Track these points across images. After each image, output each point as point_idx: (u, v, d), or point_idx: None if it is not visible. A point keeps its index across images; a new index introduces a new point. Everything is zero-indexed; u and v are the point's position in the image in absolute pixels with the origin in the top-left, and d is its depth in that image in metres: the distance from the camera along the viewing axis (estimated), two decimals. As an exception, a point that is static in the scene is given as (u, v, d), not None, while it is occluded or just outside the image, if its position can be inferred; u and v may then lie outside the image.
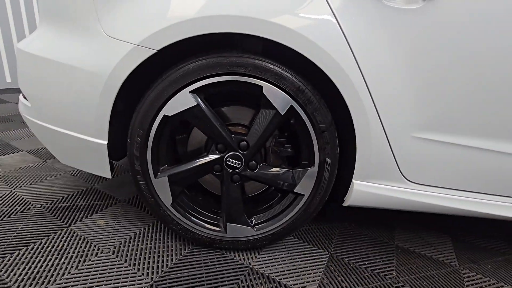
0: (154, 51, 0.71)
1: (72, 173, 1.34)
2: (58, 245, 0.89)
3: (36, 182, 1.25)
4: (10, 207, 1.06)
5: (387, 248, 1.02)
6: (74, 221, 1.01)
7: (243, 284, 0.80)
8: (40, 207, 1.08)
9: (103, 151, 0.83)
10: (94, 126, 0.81)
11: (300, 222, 0.89)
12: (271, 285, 0.80)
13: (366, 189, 0.85)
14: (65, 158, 0.93)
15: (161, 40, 0.70)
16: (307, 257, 0.93)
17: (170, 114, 0.78)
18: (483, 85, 0.73)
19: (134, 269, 0.82)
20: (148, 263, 0.85)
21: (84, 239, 0.92)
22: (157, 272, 0.81)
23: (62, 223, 0.99)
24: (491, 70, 0.71)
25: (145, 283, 0.77)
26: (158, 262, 0.85)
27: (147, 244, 0.92)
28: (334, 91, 0.75)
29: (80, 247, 0.89)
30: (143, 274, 0.80)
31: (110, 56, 0.73)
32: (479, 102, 0.74)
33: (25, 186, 1.22)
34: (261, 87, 0.76)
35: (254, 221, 0.90)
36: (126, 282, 0.77)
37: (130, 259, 0.85)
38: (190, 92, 0.76)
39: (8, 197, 1.12)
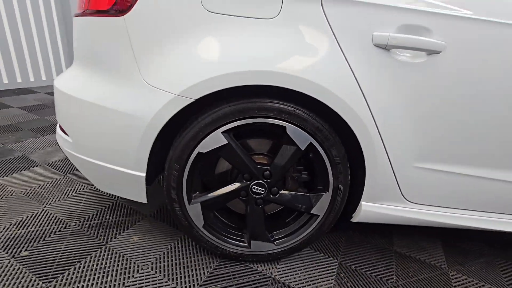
0: (193, 100, 0.81)
1: (94, 188, 1.43)
2: (101, 264, 1.00)
3: (63, 198, 1.34)
4: (47, 226, 1.15)
5: (387, 254, 1.17)
6: (110, 239, 1.11)
7: (269, 293, 0.94)
8: (75, 225, 1.17)
9: (141, 181, 0.93)
10: (134, 161, 0.90)
11: (315, 238, 1.02)
12: (292, 294, 0.95)
13: (372, 208, 0.99)
14: (104, 186, 1.02)
15: (200, 91, 0.79)
16: (319, 265, 1.07)
17: (204, 151, 0.88)
18: (472, 124, 0.86)
19: (174, 283, 0.94)
20: (185, 277, 0.97)
21: (123, 256, 1.04)
22: (194, 286, 0.94)
23: (100, 241, 1.10)
24: (478, 111, 0.84)
25: (186, 296, 0.90)
26: (193, 275, 0.98)
27: (180, 259, 1.04)
28: (346, 128, 0.86)
29: (122, 264, 1.00)
30: (182, 288, 0.93)
31: (151, 104, 0.82)
32: (468, 139, 0.87)
33: (54, 203, 1.30)
34: (284, 127, 0.86)
35: (274, 236, 1.03)
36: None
37: (169, 274, 0.97)
38: (222, 132, 0.86)
39: (42, 216, 1.21)
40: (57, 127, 1.05)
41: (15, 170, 1.54)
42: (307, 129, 0.86)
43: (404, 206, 0.99)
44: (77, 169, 1.60)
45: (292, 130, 0.87)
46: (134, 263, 1.01)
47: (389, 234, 1.28)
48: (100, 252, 1.05)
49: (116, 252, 1.05)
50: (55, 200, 1.32)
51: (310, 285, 0.98)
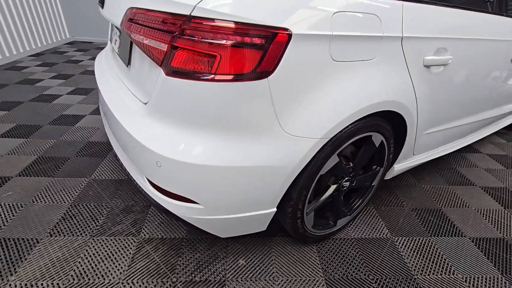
0: (328, 139, 0.93)
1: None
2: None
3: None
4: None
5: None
6: (227, 272, 1.16)
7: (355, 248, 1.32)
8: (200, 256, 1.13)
9: (271, 215, 1.03)
10: (270, 202, 0.97)
11: (369, 200, 1.43)
12: (362, 243, 1.36)
13: (397, 168, 1.45)
14: (229, 233, 1.02)
15: (336, 130, 0.92)
16: (369, 223, 1.51)
17: (323, 173, 1.05)
18: (459, 99, 1.38)
19: (304, 277, 1.17)
20: (308, 270, 1.20)
21: (255, 279, 1.14)
22: (319, 269, 1.20)
23: (220, 279, 1.13)
24: (463, 92, 1.36)
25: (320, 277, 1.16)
26: (311, 265, 1.22)
27: (292, 256, 1.24)
28: (397, 120, 1.20)
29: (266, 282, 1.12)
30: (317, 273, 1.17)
31: (295, 151, 0.89)
32: (455, 108, 1.41)
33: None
34: (371, 135, 1.13)
35: (346, 210, 1.36)
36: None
37: (293, 272, 1.18)
38: (337, 153, 1.04)
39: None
40: (170, 200, 0.91)
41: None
42: (382, 132, 1.16)
43: (411, 159, 1.50)
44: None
45: (375, 136, 1.14)
46: (270, 278, 1.15)
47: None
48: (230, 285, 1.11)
49: (246, 278, 1.14)
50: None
51: (369, 232, 1.42)
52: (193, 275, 1.15)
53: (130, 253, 1.21)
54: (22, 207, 1.38)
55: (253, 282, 1.13)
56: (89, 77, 3.15)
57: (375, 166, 1.32)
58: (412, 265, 1.27)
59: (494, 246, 1.41)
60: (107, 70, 1.31)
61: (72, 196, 1.48)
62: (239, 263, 1.22)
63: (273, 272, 1.18)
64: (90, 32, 4.75)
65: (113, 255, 1.19)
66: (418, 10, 1.03)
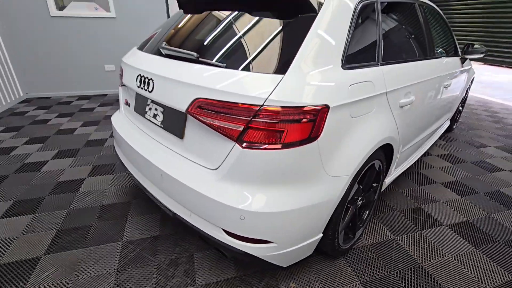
0: (355, 174, 1.25)
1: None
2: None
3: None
4: None
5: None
6: (281, 299, 1.36)
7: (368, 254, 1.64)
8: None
9: (318, 239, 1.29)
10: (319, 230, 1.24)
11: (373, 211, 1.78)
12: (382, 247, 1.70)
13: (388, 180, 1.85)
14: (289, 262, 1.25)
15: (359, 165, 1.25)
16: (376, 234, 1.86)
17: (349, 198, 1.36)
18: (418, 124, 1.84)
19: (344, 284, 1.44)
20: (348, 276, 1.47)
21: (306, 298, 1.36)
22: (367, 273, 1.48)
23: (280, 305, 1.33)
24: (421, 118, 1.83)
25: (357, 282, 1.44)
26: (348, 274, 1.50)
27: (331, 271, 1.50)
28: (386, 149, 1.60)
29: (313, 302, 1.35)
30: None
31: (335, 187, 1.19)
32: (416, 131, 1.87)
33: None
34: (374, 163, 1.49)
35: (359, 223, 1.69)
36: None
37: (337, 281, 1.44)
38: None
39: None
40: (243, 244, 1.11)
41: None
42: (379, 159, 1.53)
43: (395, 173, 1.92)
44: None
45: (376, 163, 1.51)
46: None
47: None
48: (292, 309, 1.31)
49: (299, 301, 1.35)
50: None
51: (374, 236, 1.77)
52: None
53: (196, 301, 1.34)
54: (68, 283, 1.41)
55: (309, 300, 1.36)
56: (67, 137, 3.08)
57: (375, 184, 1.69)
58: (416, 256, 1.63)
59: (464, 228, 1.87)
60: (140, 136, 1.49)
61: (115, 262, 1.54)
62: (290, 286, 1.43)
63: (320, 286, 1.42)
64: (45, 87, 4.57)
65: (181, 307, 1.31)
66: (391, 70, 1.46)
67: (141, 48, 1.64)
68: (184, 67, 1.21)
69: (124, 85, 1.73)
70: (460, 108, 3.49)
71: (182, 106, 1.16)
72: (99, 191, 2.15)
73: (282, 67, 1.06)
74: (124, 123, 1.70)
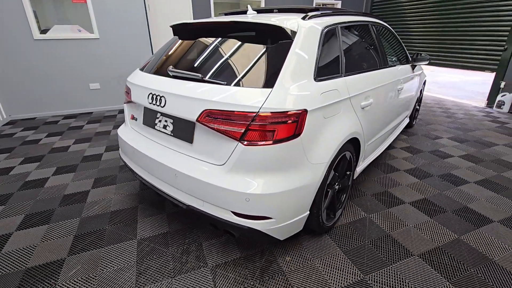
0: (330, 161, 1.60)
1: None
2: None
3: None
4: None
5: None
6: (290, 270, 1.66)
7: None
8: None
9: (306, 216, 1.62)
10: (306, 208, 1.57)
11: (348, 195, 2.15)
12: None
13: (358, 169, 2.23)
14: (284, 235, 1.55)
15: (333, 155, 1.60)
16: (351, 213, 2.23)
17: (327, 182, 1.71)
18: (378, 121, 2.25)
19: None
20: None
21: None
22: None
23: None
24: (380, 116, 2.24)
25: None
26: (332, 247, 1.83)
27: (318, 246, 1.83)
28: (354, 143, 1.98)
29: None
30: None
31: (317, 172, 1.53)
32: (376, 127, 2.28)
33: None
34: (345, 154, 1.85)
35: (338, 205, 2.04)
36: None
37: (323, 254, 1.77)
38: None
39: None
40: (248, 221, 1.41)
41: None
42: (350, 151, 1.90)
43: (363, 163, 2.31)
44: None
45: (347, 154, 1.87)
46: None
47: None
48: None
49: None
50: None
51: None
52: (263, 276, 1.62)
53: (210, 279, 1.61)
54: (94, 277, 1.62)
55: (302, 267, 1.67)
56: (62, 155, 3.22)
57: (348, 172, 2.06)
58: (385, 228, 2.00)
59: (422, 203, 2.28)
60: (150, 145, 1.76)
61: (133, 256, 1.77)
62: (286, 259, 1.74)
63: (310, 257, 1.74)
64: (29, 108, 4.63)
65: (197, 284, 1.57)
66: (352, 79, 1.85)
67: (146, 70, 1.92)
68: (191, 86, 1.52)
69: (129, 102, 1.99)
70: (417, 107, 4.03)
71: (193, 116, 1.46)
72: (105, 200, 2.35)
73: (269, 82, 1.40)
74: (133, 135, 1.96)
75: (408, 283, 1.56)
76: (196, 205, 1.55)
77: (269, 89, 1.37)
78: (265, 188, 1.38)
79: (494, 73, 5.02)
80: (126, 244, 1.86)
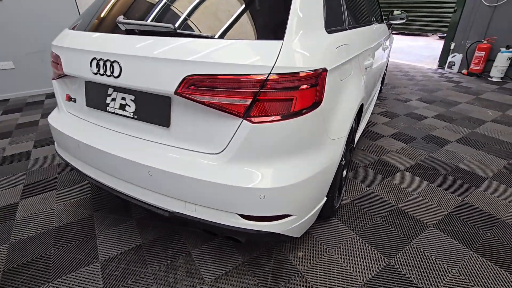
0: (348, 134, 1.30)
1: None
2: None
3: None
4: None
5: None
6: (305, 266, 1.37)
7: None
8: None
9: (323, 203, 1.32)
10: (324, 193, 1.27)
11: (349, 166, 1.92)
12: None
13: (357, 137, 2.00)
14: (303, 231, 1.24)
15: (350, 126, 1.30)
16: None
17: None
18: (373, 84, 2.01)
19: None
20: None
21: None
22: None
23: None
24: (376, 75, 1.99)
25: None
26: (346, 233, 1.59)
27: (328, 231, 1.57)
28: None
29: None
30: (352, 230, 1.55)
31: (337, 150, 1.21)
32: (373, 90, 2.04)
33: None
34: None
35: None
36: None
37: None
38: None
39: None
40: (261, 224, 1.03)
41: None
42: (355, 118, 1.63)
43: (361, 128, 2.08)
44: None
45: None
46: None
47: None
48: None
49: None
50: None
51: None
52: (277, 281, 1.31)
53: (212, 298, 1.24)
54: None
55: (319, 262, 1.41)
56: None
57: (351, 144, 1.80)
58: (391, 200, 1.84)
59: (417, 168, 2.18)
60: (103, 135, 1.24)
61: (99, 286, 1.30)
62: (299, 255, 1.45)
63: (326, 248, 1.48)
64: None
65: (198, 309, 1.20)
66: (356, 34, 1.52)
67: (79, 28, 1.33)
68: (160, 43, 1.03)
69: (61, 76, 1.39)
70: (385, 71, 3.96)
71: (168, 88, 0.99)
72: (44, 213, 1.75)
73: (276, 32, 0.99)
74: (71, 123, 1.39)
75: (435, 260, 1.41)
76: (183, 210, 1.13)
77: (279, 41, 0.97)
78: (286, 178, 1.02)
79: (438, 36, 5.22)
80: (85, 270, 1.37)
